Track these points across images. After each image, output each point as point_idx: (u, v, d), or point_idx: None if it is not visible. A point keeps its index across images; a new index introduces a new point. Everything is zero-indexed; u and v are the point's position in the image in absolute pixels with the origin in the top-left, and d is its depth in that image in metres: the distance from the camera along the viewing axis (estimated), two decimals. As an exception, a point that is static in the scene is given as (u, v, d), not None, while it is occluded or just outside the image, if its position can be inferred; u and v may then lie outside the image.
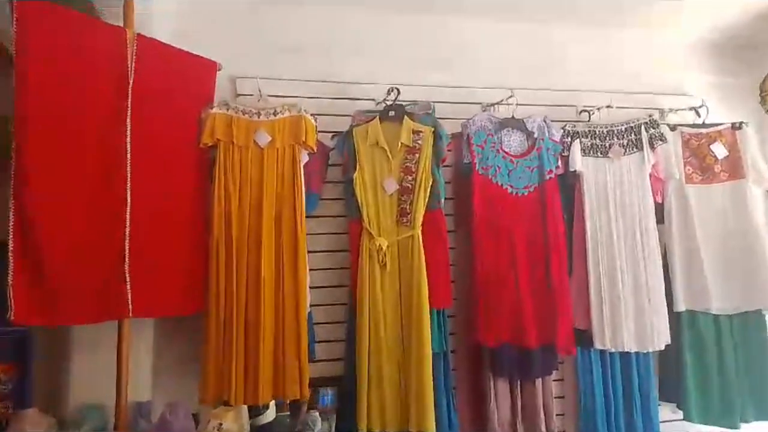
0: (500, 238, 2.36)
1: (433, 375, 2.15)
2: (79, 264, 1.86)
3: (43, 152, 1.81)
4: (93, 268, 1.89)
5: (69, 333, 2.11)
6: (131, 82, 1.98)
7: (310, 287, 2.19)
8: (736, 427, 2.47)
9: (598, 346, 2.42)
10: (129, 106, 1.97)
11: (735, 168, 2.63)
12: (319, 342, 2.31)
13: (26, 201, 1.78)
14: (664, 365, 2.62)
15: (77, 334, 2.10)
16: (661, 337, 2.43)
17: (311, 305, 2.22)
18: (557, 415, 2.45)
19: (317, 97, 2.51)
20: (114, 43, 1.97)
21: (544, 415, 2.38)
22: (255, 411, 2.14)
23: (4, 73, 1.85)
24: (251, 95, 2.34)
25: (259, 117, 2.24)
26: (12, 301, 1.71)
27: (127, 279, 1.92)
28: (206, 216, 2.15)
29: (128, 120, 1.97)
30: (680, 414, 2.54)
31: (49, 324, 1.86)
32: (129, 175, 1.95)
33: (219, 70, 2.30)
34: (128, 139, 1.96)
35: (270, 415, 2.20)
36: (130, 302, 1.92)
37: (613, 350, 2.44)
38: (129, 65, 1.99)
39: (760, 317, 2.55)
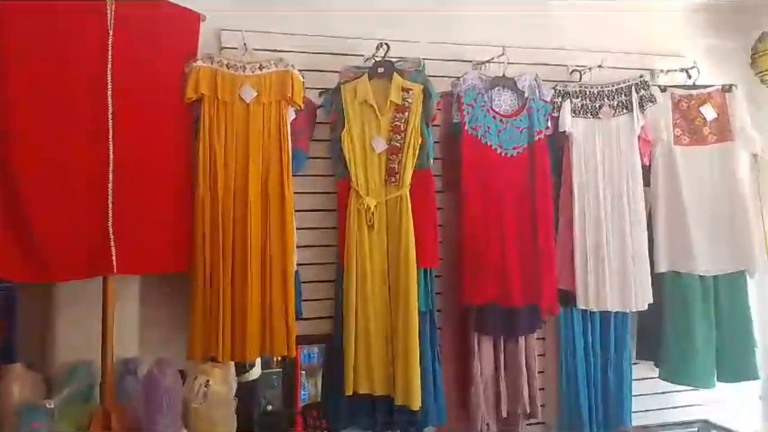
0: (488, 198, 2.36)
1: (419, 333, 2.17)
2: (63, 221, 1.86)
3: (25, 109, 1.79)
4: (77, 225, 1.88)
5: (55, 289, 2.10)
6: (111, 34, 1.91)
7: (297, 246, 2.18)
8: (711, 386, 2.55)
9: (581, 306, 2.46)
10: (110, 60, 1.91)
11: (723, 130, 2.63)
12: (306, 300, 2.32)
13: (9, 157, 1.76)
14: (643, 325, 2.67)
15: (63, 290, 2.09)
16: (643, 298, 2.46)
17: (298, 264, 2.22)
18: (538, 372, 2.51)
19: (304, 52, 2.43)
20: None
21: (526, 371, 2.43)
22: (240, 368, 2.16)
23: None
24: (236, 48, 2.27)
25: (244, 71, 2.17)
26: (-4, 257, 1.70)
27: (111, 236, 1.91)
28: (191, 173, 2.10)
29: (109, 75, 1.91)
30: (656, 372, 2.62)
31: (33, 281, 1.87)
32: (111, 130, 1.91)
33: (203, 21, 2.21)
34: (110, 94, 1.90)
35: (255, 372, 2.22)
36: (114, 259, 1.91)
37: (595, 310, 2.48)
38: (108, 17, 1.91)
39: (743, 278, 2.59)
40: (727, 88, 2.66)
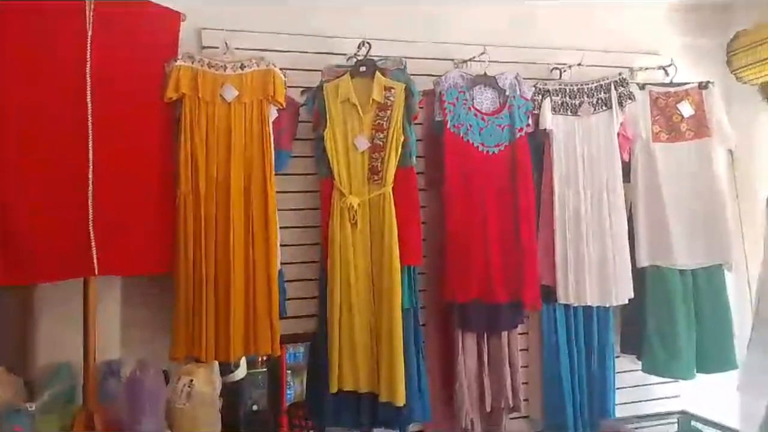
0: (471, 196, 2.38)
1: (403, 330, 2.18)
2: (42, 222, 1.84)
3: (2, 110, 1.77)
4: (57, 226, 1.86)
5: (35, 291, 2.07)
6: (90, 34, 1.90)
7: (280, 245, 2.18)
8: (692, 378, 2.59)
9: (562, 300, 2.50)
10: (89, 59, 1.89)
11: (700, 127, 2.68)
12: (290, 299, 2.31)
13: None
14: (626, 319, 2.71)
15: (44, 292, 2.06)
16: (623, 292, 2.50)
17: (282, 263, 2.22)
18: (522, 367, 2.53)
19: (285, 51, 2.42)
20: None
21: (510, 366, 2.45)
22: (225, 369, 2.15)
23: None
24: (217, 48, 2.26)
25: (225, 70, 2.16)
26: (-27, 260, 1.68)
27: (92, 237, 1.89)
28: (173, 172, 2.09)
29: (88, 75, 1.89)
30: (639, 365, 2.66)
31: (12, 283, 1.84)
32: (91, 130, 1.89)
33: (183, 21, 2.19)
34: (89, 95, 1.89)
35: (241, 372, 2.22)
36: (95, 261, 1.89)
37: (576, 305, 2.51)
38: (87, 16, 1.90)
39: (722, 272, 2.64)
40: (704, 86, 2.71)
